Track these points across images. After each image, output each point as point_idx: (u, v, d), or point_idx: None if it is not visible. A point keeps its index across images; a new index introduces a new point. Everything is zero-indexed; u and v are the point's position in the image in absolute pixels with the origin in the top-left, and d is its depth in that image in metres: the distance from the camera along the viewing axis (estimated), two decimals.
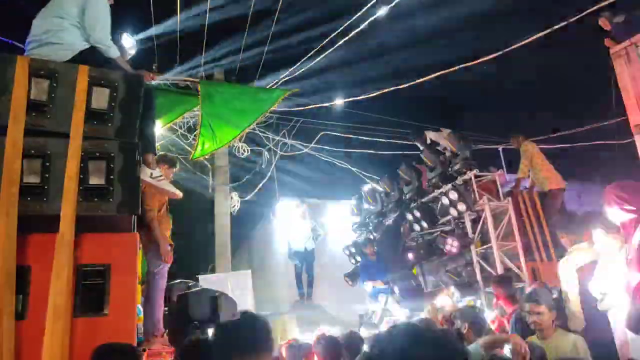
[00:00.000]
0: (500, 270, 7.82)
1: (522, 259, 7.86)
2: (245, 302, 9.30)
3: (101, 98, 3.93)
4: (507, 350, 4.40)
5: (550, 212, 7.87)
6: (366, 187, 11.59)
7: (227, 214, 11.51)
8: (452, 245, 8.50)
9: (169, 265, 5.90)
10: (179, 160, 9.85)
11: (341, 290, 11.74)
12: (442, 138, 9.26)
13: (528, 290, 5.44)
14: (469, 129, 9.61)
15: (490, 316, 6.61)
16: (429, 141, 9.30)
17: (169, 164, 6.08)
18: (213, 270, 11.98)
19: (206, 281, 9.07)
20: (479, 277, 8.17)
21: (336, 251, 11.84)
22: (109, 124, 3.96)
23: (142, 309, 6.04)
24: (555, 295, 4.89)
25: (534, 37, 7.69)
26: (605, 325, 4.12)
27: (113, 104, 3.97)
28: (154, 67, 8.85)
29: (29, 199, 3.60)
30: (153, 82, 5.61)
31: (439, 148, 9.03)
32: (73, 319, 3.52)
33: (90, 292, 3.71)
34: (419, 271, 9.88)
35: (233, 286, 9.22)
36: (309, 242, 12.00)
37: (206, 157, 6.74)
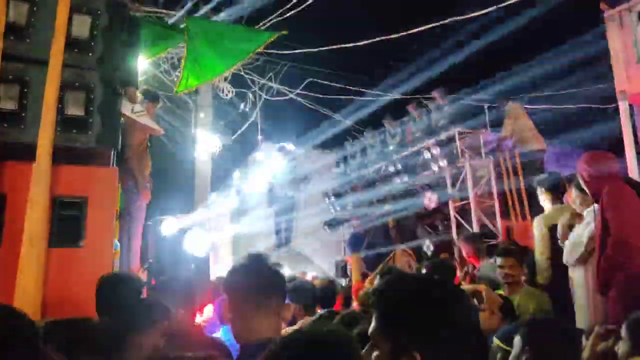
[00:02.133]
0: (476, 226, 7.96)
1: (498, 217, 8.00)
2: (224, 244, 9.38)
3: (82, 26, 3.80)
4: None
5: (530, 173, 7.95)
6: (350, 137, 11.59)
7: (208, 155, 11.43)
8: (430, 199, 8.59)
9: (147, 201, 5.89)
10: (162, 97, 9.69)
11: (320, 237, 11.89)
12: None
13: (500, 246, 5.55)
14: (455, 84, 9.53)
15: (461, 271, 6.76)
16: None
17: (152, 100, 5.98)
18: (192, 211, 11.99)
19: (184, 221, 9.08)
20: (454, 232, 8.31)
21: (316, 199, 11.92)
22: (90, 54, 3.85)
23: (118, 244, 6.06)
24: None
25: None
26: (567, 284, 4.24)
27: (95, 32, 3.85)
28: None
29: (5, 125, 3.52)
30: (138, 14, 5.44)
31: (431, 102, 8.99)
32: (48, 249, 3.52)
33: (67, 223, 3.69)
34: (395, 223, 10.03)
35: (211, 228, 9.27)
36: (289, 189, 12.05)
37: (190, 90, 6.61)
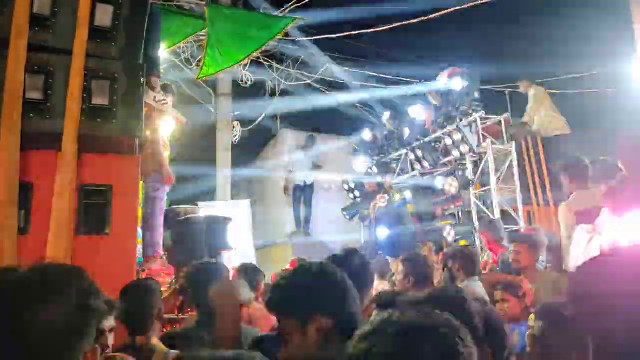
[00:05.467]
0: (497, 213, 7.90)
1: (519, 203, 7.92)
2: (244, 231, 9.42)
3: (105, 15, 3.82)
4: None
5: (553, 158, 7.86)
6: (368, 124, 11.53)
7: (228, 142, 11.48)
8: (451, 185, 8.52)
9: (168, 189, 5.95)
10: (182, 86, 9.74)
11: (338, 224, 11.89)
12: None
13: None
14: (476, 68, 9.40)
15: (483, 257, 6.72)
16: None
17: (170, 93, 5.99)
18: (213, 199, 12.07)
19: (206, 209, 9.15)
20: (475, 218, 8.25)
21: (335, 185, 11.91)
22: (113, 43, 3.87)
23: (141, 232, 6.13)
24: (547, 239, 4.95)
25: None
26: None
27: (117, 22, 3.87)
28: None
29: (31, 115, 3.57)
30: (158, 3, 5.46)
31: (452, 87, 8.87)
32: (75, 237, 3.57)
33: (93, 211, 3.75)
34: (415, 209, 9.98)
35: (232, 215, 9.31)
36: (308, 176, 12.06)
37: (211, 77, 6.65)
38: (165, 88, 6.08)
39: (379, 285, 5.80)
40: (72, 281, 1.33)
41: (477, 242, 7.83)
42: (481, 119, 8.27)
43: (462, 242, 8.05)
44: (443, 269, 5.36)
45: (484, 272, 5.55)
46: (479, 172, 8.40)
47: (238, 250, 7.21)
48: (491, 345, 1.87)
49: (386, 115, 10.61)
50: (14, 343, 1.20)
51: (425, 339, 0.98)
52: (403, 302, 1.84)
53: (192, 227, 5.22)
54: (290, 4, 8.98)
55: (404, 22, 8.86)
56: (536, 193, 7.90)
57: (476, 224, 8.14)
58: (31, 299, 1.24)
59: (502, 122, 8.40)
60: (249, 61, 9.21)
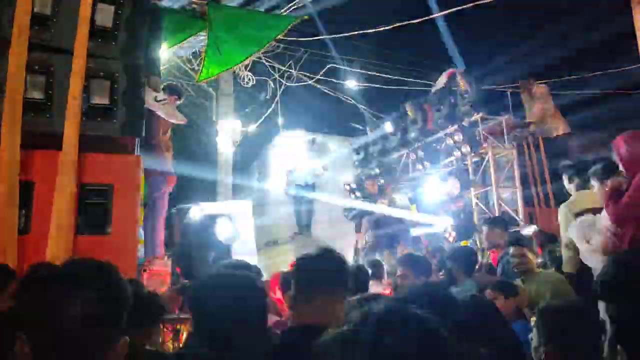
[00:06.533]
0: (497, 213, 7.88)
1: (520, 203, 7.91)
2: (245, 232, 9.40)
3: (106, 15, 3.83)
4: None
5: (554, 158, 7.83)
6: (370, 124, 11.52)
7: (230, 143, 11.46)
8: (453, 186, 8.52)
9: (170, 189, 5.95)
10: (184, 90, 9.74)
11: (340, 224, 11.88)
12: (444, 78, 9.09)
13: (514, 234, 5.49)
14: (476, 69, 9.38)
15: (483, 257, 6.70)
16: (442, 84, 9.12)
17: (173, 93, 5.98)
18: (214, 199, 12.06)
19: (208, 208, 9.13)
20: (476, 219, 8.24)
21: (337, 186, 11.90)
22: (114, 43, 3.88)
23: (142, 232, 6.13)
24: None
25: None
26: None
27: (118, 21, 3.87)
28: None
29: (32, 114, 3.57)
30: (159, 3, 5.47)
31: (453, 87, 8.86)
32: (76, 236, 3.57)
33: (93, 211, 3.75)
34: (417, 209, 9.98)
35: (234, 215, 9.29)
36: (309, 177, 12.05)
37: (212, 78, 6.63)
38: (172, 88, 6.08)
39: (373, 287, 5.78)
40: (104, 275, 1.35)
41: (478, 243, 7.82)
42: (482, 119, 8.26)
43: (464, 243, 8.04)
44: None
45: (476, 274, 5.53)
46: (479, 173, 8.39)
47: (240, 250, 7.20)
48: (490, 341, 1.85)
49: (388, 116, 10.61)
50: (49, 335, 1.23)
51: (387, 330, 0.98)
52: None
53: (191, 228, 5.22)
54: (293, 2, 8.96)
55: (405, 22, 8.84)
56: (537, 194, 7.87)
57: (477, 224, 8.14)
58: (65, 292, 1.26)
59: (503, 123, 8.38)
60: (250, 61, 9.20)
